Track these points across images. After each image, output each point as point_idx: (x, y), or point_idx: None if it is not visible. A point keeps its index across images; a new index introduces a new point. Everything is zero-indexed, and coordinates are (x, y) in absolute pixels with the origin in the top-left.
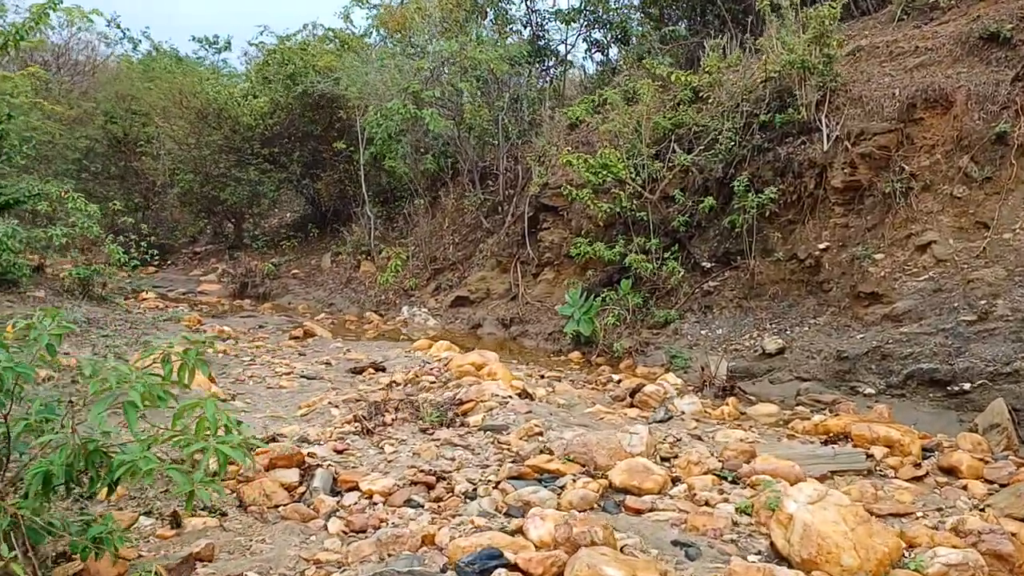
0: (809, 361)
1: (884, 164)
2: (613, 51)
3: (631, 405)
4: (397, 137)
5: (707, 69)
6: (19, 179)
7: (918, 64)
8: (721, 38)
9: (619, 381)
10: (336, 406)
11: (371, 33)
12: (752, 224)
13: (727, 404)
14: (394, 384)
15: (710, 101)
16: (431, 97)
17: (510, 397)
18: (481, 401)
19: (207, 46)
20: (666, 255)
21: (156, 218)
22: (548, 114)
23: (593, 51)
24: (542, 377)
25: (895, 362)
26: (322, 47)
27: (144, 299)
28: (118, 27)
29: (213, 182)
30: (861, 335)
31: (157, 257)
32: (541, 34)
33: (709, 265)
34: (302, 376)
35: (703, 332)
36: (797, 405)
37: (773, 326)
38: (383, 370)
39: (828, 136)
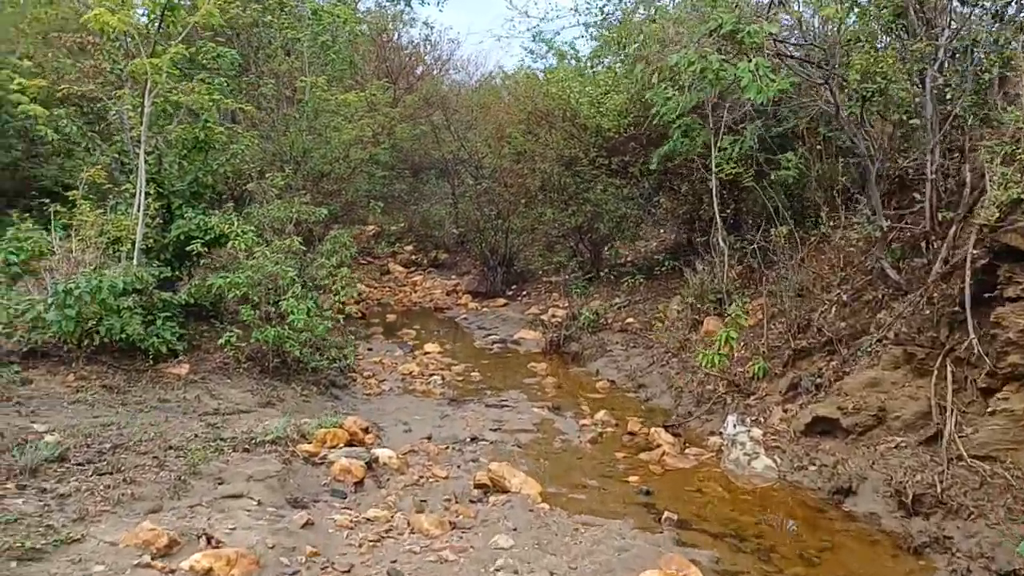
0: None
1: None
2: None
3: None
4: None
5: None
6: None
7: None
8: None
9: None
10: None
11: None
12: None
13: None
14: None
15: None
16: (755, 37)
17: None
18: None
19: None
20: None
21: (516, 242)
22: None
23: None
24: None
25: None
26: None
27: (427, 353)
28: (544, 42)
29: (557, 201)
30: None
31: (514, 286)
32: None
33: None
34: None
35: None
36: None
37: None
38: None
39: None
